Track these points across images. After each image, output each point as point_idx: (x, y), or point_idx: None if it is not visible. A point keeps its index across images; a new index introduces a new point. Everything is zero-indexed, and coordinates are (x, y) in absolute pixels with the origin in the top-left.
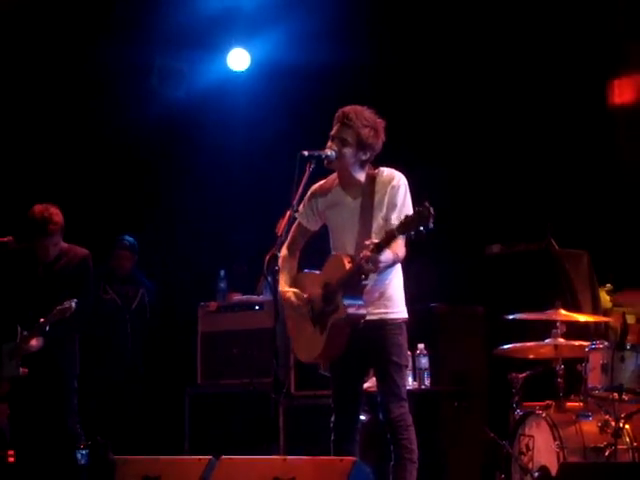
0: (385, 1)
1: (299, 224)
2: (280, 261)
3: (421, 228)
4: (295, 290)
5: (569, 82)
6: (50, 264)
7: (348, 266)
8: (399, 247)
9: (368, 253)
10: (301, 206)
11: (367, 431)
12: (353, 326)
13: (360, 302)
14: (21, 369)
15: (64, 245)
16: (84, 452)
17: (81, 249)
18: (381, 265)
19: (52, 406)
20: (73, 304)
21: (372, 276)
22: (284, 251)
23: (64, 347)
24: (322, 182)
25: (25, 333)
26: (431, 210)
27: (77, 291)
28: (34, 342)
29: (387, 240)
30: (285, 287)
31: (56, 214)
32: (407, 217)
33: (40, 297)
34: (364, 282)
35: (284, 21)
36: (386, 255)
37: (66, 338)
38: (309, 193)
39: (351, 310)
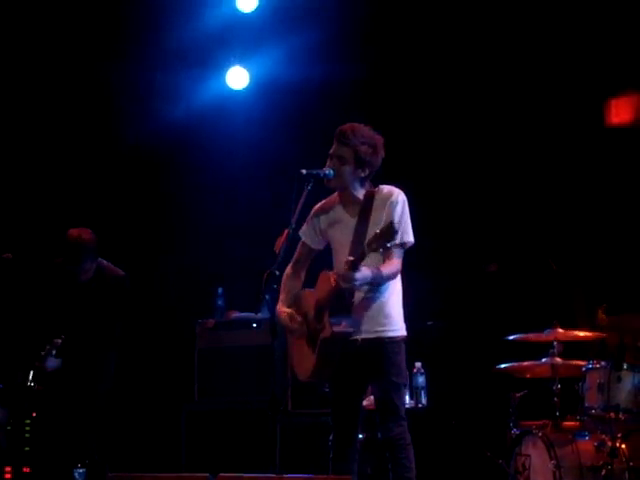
0: (384, 18)
1: (303, 243)
2: (283, 279)
3: (388, 244)
4: (289, 311)
5: (567, 104)
6: (84, 284)
7: (333, 284)
8: (386, 265)
9: (342, 271)
10: (304, 225)
11: (366, 449)
12: (341, 344)
13: (346, 320)
14: (36, 386)
15: (103, 264)
16: (81, 471)
17: (117, 270)
18: (356, 283)
19: (68, 425)
20: (59, 340)
21: (362, 294)
22: (289, 270)
23: (91, 367)
24: (324, 201)
25: (42, 353)
26: (395, 227)
27: (108, 311)
28: (49, 363)
29: (360, 258)
30: (282, 307)
31: (88, 240)
32: (375, 234)
33: (72, 316)
34: (350, 300)
35: (283, 39)
36: (362, 273)
37: (96, 359)
38: (312, 212)
39: (336, 328)
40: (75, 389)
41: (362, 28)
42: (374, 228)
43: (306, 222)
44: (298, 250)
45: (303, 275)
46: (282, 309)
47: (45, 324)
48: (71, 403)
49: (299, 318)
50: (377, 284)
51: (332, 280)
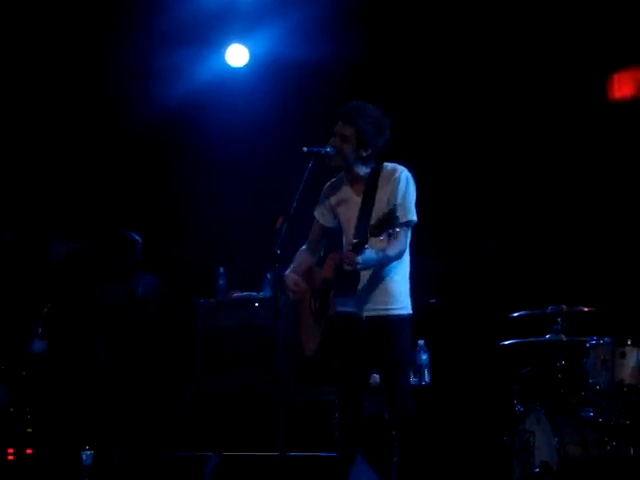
0: None
1: (317, 222)
2: (297, 253)
3: (390, 230)
4: (295, 276)
5: (569, 79)
6: (56, 265)
7: (338, 265)
8: (392, 245)
9: (347, 253)
10: (318, 204)
11: (372, 428)
12: (346, 324)
13: (351, 300)
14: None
15: (75, 246)
16: (89, 453)
17: (90, 251)
18: (359, 266)
19: (58, 405)
20: (45, 310)
21: (369, 273)
22: (304, 246)
23: (74, 347)
24: (335, 178)
25: (28, 335)
26: (395, 212)
27: (84, 292)
28: (35, 345)
29: (363, 242)
30: (289, 272)
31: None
32: (377, 219)
33: (48, 297)
34: (356, 280)
35: (283, 16)
36: (367, 254)
37: (76, 338)
38: (323, 190)
39: (341, 308)
40: (62, 370)
41: (363, 5)
42: (380, 206)
43: (319, 201)
44: (313, 229)
45: (318, 254)
46: (289, 273)
47: (22, 306)
48: (60, 385)
49: (303, 285)
50: (384, 265)
51: (337, 261)
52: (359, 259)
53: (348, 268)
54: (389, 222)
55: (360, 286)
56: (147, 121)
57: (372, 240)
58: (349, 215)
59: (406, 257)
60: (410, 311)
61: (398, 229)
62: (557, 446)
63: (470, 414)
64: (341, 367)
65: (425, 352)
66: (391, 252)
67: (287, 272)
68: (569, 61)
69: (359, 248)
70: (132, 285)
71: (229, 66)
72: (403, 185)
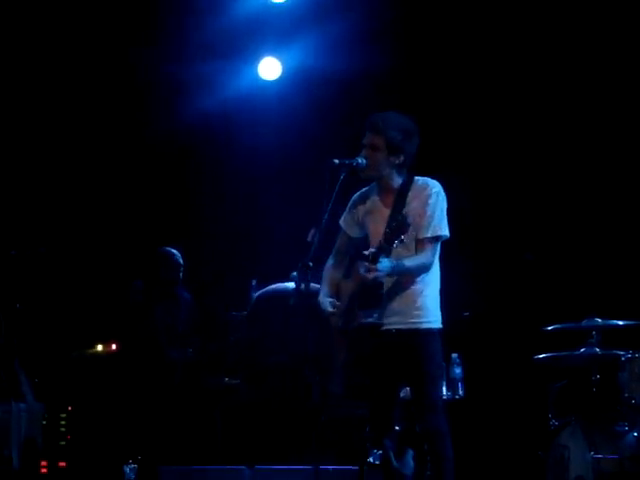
0: (416, 8)
1: (343, 232)
2: (325, 271)
3: (402, 237)
4: (331, 299)
5: (607, 93)
6: None
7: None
8: (414, 257)
9: (365, 262)
10: (345, 214)
11: (404, 441)
12: (370, 335)
13: (375, 312)
14: None
15: None
16: (132, 466)
17: None
18: (379, 274)
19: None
20: None
21: (396, 285)
22: (330, 260)
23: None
24: (364, 189)
25: None
26: (407, 221)
27: None
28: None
29: (380, 250)
30: (323, 297)
31: None
32: (391, 227)
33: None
34: (379, 291)
35: (316, 29)
36: (384, 264)
37: None
38: (352, 200)
39: (362, 320)
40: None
41: (395, 17)
42: (410, 219)
43: (346, 210)
44: (339, 240)
45: (344, 265)
46: (323, 298)
47: None
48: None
49: (339, 304)
50: (404, 275)
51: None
52: (379, 267)
53: (366, 277)
54: (400, 229)
55: (391, 300)
56: (179, 134)
57: (394, 251)
58: (376, 227)
59: (436, 271)
60: (440, 325)
61: (426, 242)
62: (592, 461)
63: (504, 428)
64: (371, 380)
65: (459, 366)
66: (410, 263)
67: (321, 297)
68: (605, 82)
69: (376, 257)
70: (172, 306)
71: (262, 79)
72: (434, 200)
